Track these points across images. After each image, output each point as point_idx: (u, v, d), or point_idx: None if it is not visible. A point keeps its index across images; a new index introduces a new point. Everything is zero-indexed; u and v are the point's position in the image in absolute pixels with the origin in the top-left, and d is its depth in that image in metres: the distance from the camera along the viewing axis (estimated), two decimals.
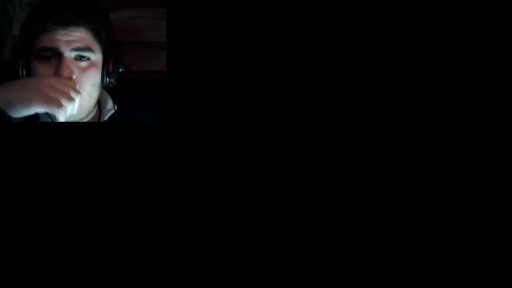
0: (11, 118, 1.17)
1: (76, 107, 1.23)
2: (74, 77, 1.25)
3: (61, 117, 1.21)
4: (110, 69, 1.30)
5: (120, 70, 1.32)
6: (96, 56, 1.29)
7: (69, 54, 1.26)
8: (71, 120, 1.27)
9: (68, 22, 1.25)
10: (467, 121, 1.28)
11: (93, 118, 1.34)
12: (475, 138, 1.28)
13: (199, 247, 1.28)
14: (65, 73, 1.24)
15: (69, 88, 1.22)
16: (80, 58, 1.27)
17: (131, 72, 1.35)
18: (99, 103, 1.36)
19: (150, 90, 1.42)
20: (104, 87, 1.32)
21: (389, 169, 1.29)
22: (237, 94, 1.29)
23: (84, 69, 1.27)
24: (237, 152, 1.29)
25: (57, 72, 1.24)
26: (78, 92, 1.23)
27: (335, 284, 1.28)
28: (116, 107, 1.35)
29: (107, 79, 1.30)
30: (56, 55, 1.25)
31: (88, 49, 1.27)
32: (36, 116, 1.26)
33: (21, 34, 1.32)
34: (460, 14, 1.28)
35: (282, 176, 1.29)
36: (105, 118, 1.35)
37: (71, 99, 1.21)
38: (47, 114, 1.28)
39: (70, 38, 1.25)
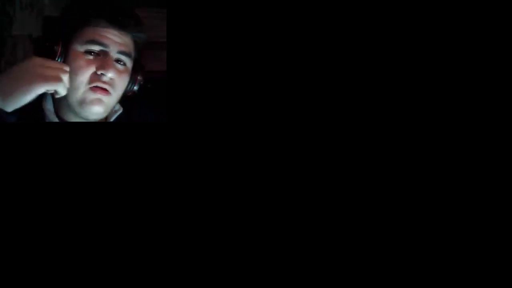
0: (5, 113, 1.16)
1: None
2: (114, 76, 1.28)
3: (62, 90, 1.23)
4: (138, 78, 1.36)
5: (142, 81, 1.37)
6: (130, 64, 1.34)
7: (114, 55, 1.29)
8: (94, 118, 1.30)
9: (123, 26, 1.29)
10: (467, 121, 1.29)
11: (100, 119, 1.34)
12: (475, 138, 1.28)
13: (199, 246, 1.28)
14: (110, 70, 1.27)
15: (58, 64, 1.23)
16: (118, 61, 1.30)
17: (145, 83, 1.40)
18: None
19: (150, 90, 1.42)
20: (125, 92, 1.35)
21: (389, 169, 1.29)
22: (237, 94, 1.29)
23: (120, 72, 1.30)
24: (237, 152, 1.29)
25: (101, 67, 1.26)
26: (67, 65, 1.25)
27: (335, 284, 1.28)
28: (122, 109, 1.36)
29: (132, 86, 1.35)
30: (102, 52, 1.27)
31: (129, 55, 1.32)
32: (39, 115, 1.27)
33: (64, 15, 1.33)
34: (460, 14, 1.29)
35: (281, 176, 1.29)
36: (112, 119, 1.37)
37: (65, 72, 1.23)
38: (51, 112, 1.29)
39: (120, 40, 1.29)
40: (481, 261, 1.27)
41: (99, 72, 1.27)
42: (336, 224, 1.29)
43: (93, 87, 1.27)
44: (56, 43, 1.26)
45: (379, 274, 1.28)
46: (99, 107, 1.28)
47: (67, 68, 1.23)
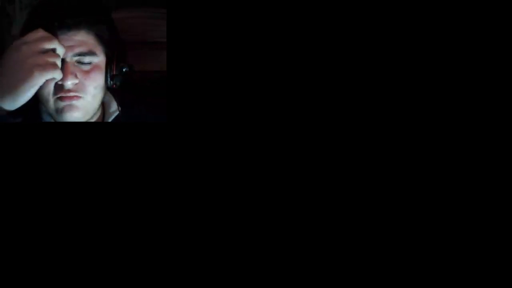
0: (6, 113, 1.15)
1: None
2: (76, 81, 1.23)
3: (58, 76, 1.18)
4: (114, 71, 1.28)
5: (124, 70, 1.29)
6: (99, 58, 1.26)
7: (71, 59, 1.23)
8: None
9: (69, 26, 1.22)
10: (467, 121, 1.29)
11: (97, 120, 1.33)
12: (475, 138, 1.28)
13: (199, 246, 1.28)
14: (68, 77, 1.21)
15: (47, 42, 1.18)
16: (82, 62, 1.24)
17: (131, 72, 1.33)
18: (103, 106, 1.35)
19: (150, 90, 1.42)
20: (108, 88, 1.29)
21: (389, 169, 1.29)
22: (237, 94, 1.29)
23: (87, 72, 1.24)
24: (236, 152, 1.29)
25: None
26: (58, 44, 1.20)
27: (335, 284, 1.28)
28: (120, 109, 1.34)
29: (111, 81, 1.28)
30: None
31: (90, 53, 1.24)
32: (38, 116, 1.26)
33: (22, 30, 1.27)
34: (460, 14, 1.29)
35: (281, 176, 1.29)
36: (110, 120, 1.34)
37: (58, 56, 1.18)
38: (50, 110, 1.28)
39: (72, 43, 1.22)
40: (481, 261, 1.27)
41: (59, 83, 1.21)
42: (336, 224, 1.29)
43: (60, 97, 1.23)
44: None
45: (379, 274, 1.28)
46: (73, 113, 1.23)
47: (60, 48, 1.19)
